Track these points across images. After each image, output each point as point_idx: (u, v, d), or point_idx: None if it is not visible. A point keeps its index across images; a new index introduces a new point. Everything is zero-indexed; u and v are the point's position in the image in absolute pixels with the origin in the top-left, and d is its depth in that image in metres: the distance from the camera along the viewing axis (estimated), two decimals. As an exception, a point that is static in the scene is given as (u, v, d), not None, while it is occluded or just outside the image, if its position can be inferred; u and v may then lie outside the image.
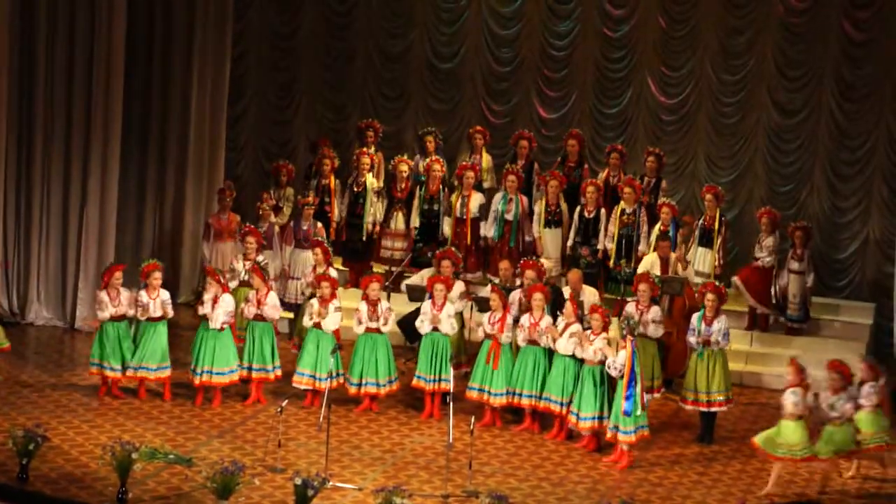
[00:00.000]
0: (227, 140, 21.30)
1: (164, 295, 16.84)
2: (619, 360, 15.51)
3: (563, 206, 19.38)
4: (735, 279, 19.01)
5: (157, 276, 16.82)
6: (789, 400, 15.04)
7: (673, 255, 18.37)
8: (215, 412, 16.57)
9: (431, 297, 16.98)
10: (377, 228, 19.90)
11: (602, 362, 15.91)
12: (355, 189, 19.99)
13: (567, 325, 16.28)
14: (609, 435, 15.65)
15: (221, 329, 16.72)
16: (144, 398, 16.73)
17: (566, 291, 17.43)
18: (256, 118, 22.45)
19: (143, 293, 16.73)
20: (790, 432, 15.00)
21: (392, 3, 22.03)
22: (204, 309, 16.73)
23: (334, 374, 16.50)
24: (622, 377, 15.42)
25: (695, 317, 16.59)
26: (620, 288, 18.67)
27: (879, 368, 15.35)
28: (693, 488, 15.10)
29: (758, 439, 15.19)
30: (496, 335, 16.58)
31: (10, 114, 18.61)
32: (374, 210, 19.86)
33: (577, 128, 20.88)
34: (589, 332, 16.08)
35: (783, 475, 15.22)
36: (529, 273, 17.22)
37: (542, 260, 18.05)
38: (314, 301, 16.97)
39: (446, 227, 19.63)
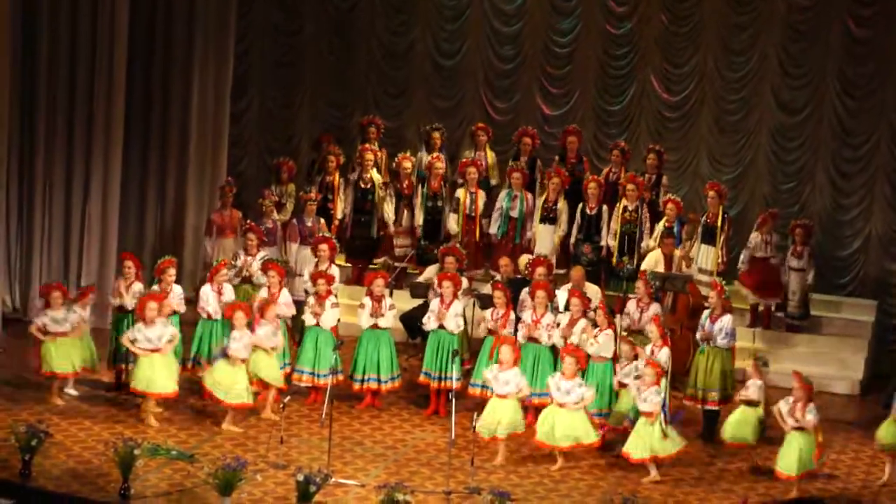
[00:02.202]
0: (229, 136, 21.29)
1: (178, 290, 16.83)
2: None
3: (562, 203, 19.35)
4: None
5: (172, 273, 16.79)
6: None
7: (677, 252, 18.37)
8: (217, 408, 16.55)
9: (440, 294, 16.96)
10: (391, 227, 19.86)
11: (607, 359, 15.95)
12: (361, 186, 19.97)
13: (573, 322, 16.28)
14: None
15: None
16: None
17: (566, 289, 17.34)
18: (259, 115, 22.46)
19: (156, 288, 16.73)
20: (506, 411, 15.31)
21: (395, 1, 22.03)
22: (208, 306, 16.72)
23: (336, 371, 16.48)
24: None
25: (705, 313, 16.63)
26: (623, 285, 18.67)
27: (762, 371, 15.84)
28: (696, 485, 15.10)
29: (480, 428, 15.30)
30: (499, 331, 16.57)
31: (12, 110, 18.56)
32: (390, 208, 19.83)
33: (580, 125, 20.88)
34: (597, 329, 16.10)
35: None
36: (540, 270, 17.18)
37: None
38: (311, 298, 16.96)
39: (450, 224, 19.62)
